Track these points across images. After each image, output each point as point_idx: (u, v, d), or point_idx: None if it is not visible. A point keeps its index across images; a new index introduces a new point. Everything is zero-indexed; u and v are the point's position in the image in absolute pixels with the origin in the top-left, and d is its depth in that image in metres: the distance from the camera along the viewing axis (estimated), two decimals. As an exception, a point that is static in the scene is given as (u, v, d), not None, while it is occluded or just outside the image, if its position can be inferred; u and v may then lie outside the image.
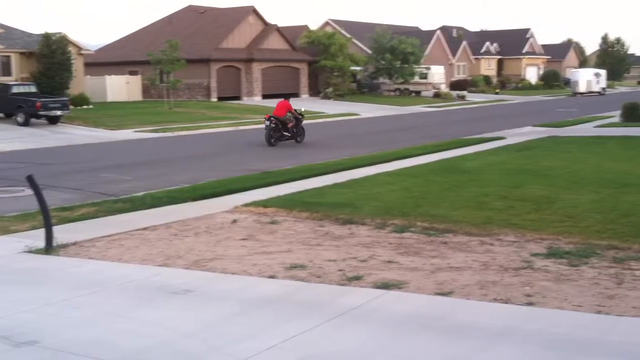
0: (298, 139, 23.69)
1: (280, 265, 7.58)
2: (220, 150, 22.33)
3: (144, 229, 9.64)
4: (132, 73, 49.13)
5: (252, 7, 53.41)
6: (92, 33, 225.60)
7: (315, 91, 56.41)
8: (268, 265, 7.58)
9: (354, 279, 6.95)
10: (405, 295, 6.46)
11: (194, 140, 26.54)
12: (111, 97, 45.75)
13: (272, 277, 7.15)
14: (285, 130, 23.21)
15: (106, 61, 49.92)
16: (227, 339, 5.44)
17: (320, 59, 54.37)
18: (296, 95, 54.54)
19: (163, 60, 40.90)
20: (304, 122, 24.48)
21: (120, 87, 47.28)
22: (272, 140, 22.72)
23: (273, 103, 46.50)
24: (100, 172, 16.52)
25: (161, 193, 12.53)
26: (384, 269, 7.32)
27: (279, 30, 54.33)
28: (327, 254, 8.03)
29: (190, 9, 56.85)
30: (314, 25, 64.35)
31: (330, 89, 54.42)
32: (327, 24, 66.53)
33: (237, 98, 49.92)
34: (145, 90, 48.45)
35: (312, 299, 6.36)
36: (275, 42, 53.62)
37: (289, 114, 23.38)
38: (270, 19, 55.35)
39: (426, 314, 5.94)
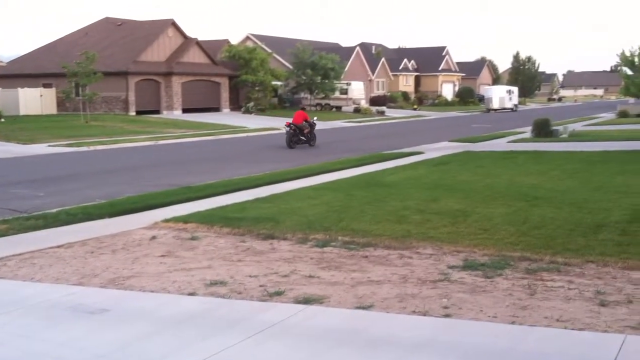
0: (311, 142, 27.68)
1: (200, 281, 7.48)
2: (141, 164, 21.90)
3: (58, 246, 9.32)
4: (46, 86, 47.69)
5: (172, 20, 52.86)
6: (4, 44, 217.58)
7: (236, 105, 56.22)
8: (188, 282, 7.46)
9: (275, 295, 6.93)
10: (326, 309, 6.48)
11: (111, 154, 25.93)
12: (24, 110, 44.24)
13: (191, 294, 7.04)
14: (301, 135, 27.32)
15: (19, 73, 48.31)
16: (144, 359, 5.31)
17: (241, 74, 54.26)
18: (217, 109, 54.24)
19: (79, 72, 39.92)
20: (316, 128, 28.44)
21: (34, 100, 45.78)
22: (292, 144, 26.82)
23: (193, 117, 46.29)
24: (12, 188, 15.89)
25: (76, 209, 12.15)
26: (305, 284, 7.33)
27: (199, 44, 53.95)
28: (248, 269, 7.98)
29: (107, 21, 55.71)
30: (234, 40, 64.31)
31: (251, 104, 54.33)
32: (247, 38, 66.59)
33: (157, 112, 49.20)
34: (60, 104, 47.11)
35: (233, 316, 6.30)
36: (195, 56, 53.20)
37: (304, 122, 27.38)
38: (190, 33, 54.93)
39: (347, 327, 5.98)
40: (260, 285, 7.28)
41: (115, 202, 13.06)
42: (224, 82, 55.10)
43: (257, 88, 55.32)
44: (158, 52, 50.82)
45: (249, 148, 28.17)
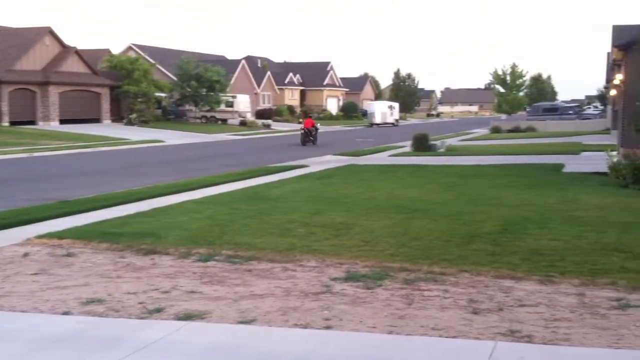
0: (315, 142, 37.68)
1: (75, 300, 7.18)
2: (13, 177, 20.81)
3: None
4: None
5: (49, 27, 50.79)
6: None
7: (118, 117, 54.63)
8: (62, 301, 7.15)
9: (155, 312, 6.77)
10: (208, 325, 6.40)
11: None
12: None
13: (66, 313, 6.75)
14: (310, 136, 37.73)
15: None
16: (13, 384, 5.04)
17: (123, 84, 52.89)
18: (97, 121, 52.52)
19: (-55, 80, 37.53)
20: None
21: None
22: (305, 142, 37.21)
23: (72, 129, 44.63)
24: None
25: (-60, 226, 11.37)
26: (186, 300, 7.20)
27: (78, 53, 52.13)
28: (128, 286, 7.75)
29: (-22, 27, 52.73)
30: (116, 50, 62.66)
31: (134, 115, 52.98)
32: (130, 48, 65.05)
33: (32, 122, 47.03)
34: None
35: (110, 335, 6.09)
36: (74, 65, 51.34)
37: (313, 127, 37.89)
38: (69, 41, 52.94)
39: (229, 343, 5.92)
40: (140, 303, 7.09)
41: (-16, 217, 12.32)
42: (105, 93, 53.46)
43: (139, 99, 54.09)
44: (34, 60, 48.68)
45: (132, 161, 27.41)
